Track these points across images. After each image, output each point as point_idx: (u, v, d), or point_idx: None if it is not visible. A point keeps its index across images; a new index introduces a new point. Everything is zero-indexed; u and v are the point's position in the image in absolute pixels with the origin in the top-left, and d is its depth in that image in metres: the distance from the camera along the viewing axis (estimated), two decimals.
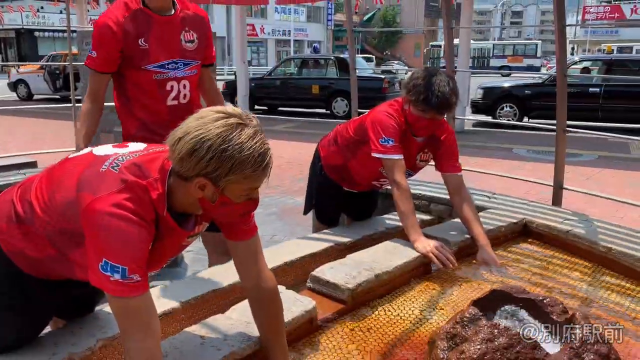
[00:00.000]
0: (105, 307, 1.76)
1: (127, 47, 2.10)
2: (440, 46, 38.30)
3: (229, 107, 1.29)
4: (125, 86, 2.22)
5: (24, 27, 31.68)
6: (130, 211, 1.24)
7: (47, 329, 1.68)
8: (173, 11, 2.17)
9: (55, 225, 1.35)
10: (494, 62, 36.20)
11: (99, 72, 2.20)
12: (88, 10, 12.67)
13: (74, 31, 6.29)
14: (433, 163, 2.64)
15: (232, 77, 15.56)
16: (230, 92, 12.89)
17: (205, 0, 4.65)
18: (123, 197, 1.25)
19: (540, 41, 38.37)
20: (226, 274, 2.10)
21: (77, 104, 4.61)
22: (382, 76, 12.80)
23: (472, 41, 42.61)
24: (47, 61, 16.67)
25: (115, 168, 1.31)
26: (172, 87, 2.19)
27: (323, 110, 13.29)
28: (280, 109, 13.56)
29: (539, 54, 36.13)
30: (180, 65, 2.20)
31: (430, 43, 41.43)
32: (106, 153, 1.39)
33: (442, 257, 2.22)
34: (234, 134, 1.22)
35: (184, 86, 2.22)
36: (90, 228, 1.25)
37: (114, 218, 1.22)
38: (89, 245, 1.25)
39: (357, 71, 4.56)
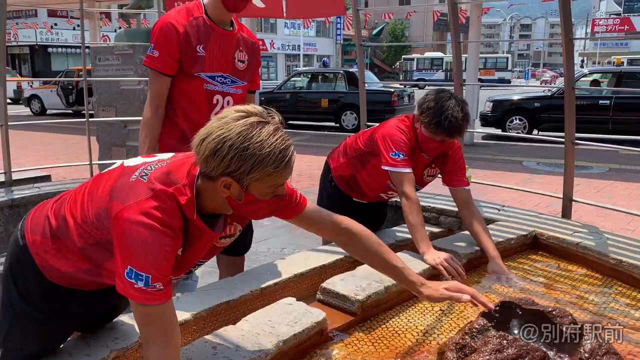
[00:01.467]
0: (119, 318, 1.79)
1: (185, 51, 2.12)
2: (413, 59, 38.37)
3: (249, 106, 1.31)
4: (172, 94, 2.22)
5: (38, 43, 32.18)
6: (156, 220, 1.27)
7: None
8: (231, 28, 2.21)
9: (90, 237, 1.38)
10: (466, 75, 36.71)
11: (161, 74, 2.17)
12: (101, 27, 12.88)
13: (88, 47, 6.39)
14: (440, 177, 2.67)
15: None
16: None
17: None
18: (150, 206, 1.28)
19: (509, 55, 39.10)
20: (236, 286, 2.13)
21: (90, 119, 4.68)
22: (391, 90, 12.85)
23: (443, 55, 41.58)
24: (62, 77, 16.92)
25: (144, 177, 1.35)
26: (217, 100, 2.21)
27: (332, 124, 13.35)
28: (290, 122, 13.66)
29: (509, 67, 36.57)
30: (229, 81, 2.22)
31: (403, 56, 41.42)
32: (136, 163, 1.43)
33: (451, 269, 2.23)
34: (254, 132, 1.25)
35: (228, 102, 2.24)
36: (118, 236, 1.28)
37: (140, 227, 1.25)
38: (117, 252, 1.29)
39: (366, 85, 4.60)
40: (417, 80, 33.20)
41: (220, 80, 2.21)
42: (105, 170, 1.50)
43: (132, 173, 1.37)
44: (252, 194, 1.31)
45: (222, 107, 2.19)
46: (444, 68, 38.14)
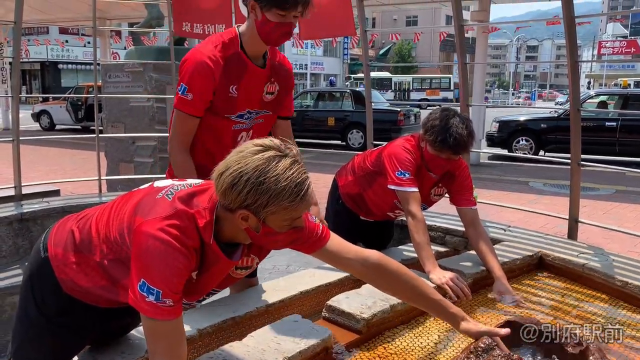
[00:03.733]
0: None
1: (218, 92, 1.99)
2: (362, 78, 37.81)
3: (267, 140, 1.34)
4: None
5: (49, 59, 32.62)
6: (173, 237, 1.29)
7: None
8: (264, 61, 2.08)
9: (110, 253, 1.41)
10: (414, 95, 37.05)
11: (193, 117, 2.01)
12: (111, 44, 13.06)
13: (99, 64, 6.49)
14: (447, 196, 2.68)
15: None
16: None
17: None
18: (169, 223, 1.31)
19: (452, 75, 38.76)
20: (243, 302, 2.14)
21: (100, 135, 4.73)
22: (398, 109, 12.92)
23: (391, 75, 41.36)
24: (72, 93, 17.10)
25: (169, 196, 1.38)
26: (242, 137, 2.13)
27: (339, 142, 13.40)
28: (297, 140, 13.67)
29: (452, 87, 36.30)
30: (254, 114, 2.12)
31: (353, 76, 40.49)
32: (165, 185, 1.47)
33: (456, 288, 2.23)
34: (270, 166, 1.27)
35: (249, 135, 2.14)
36: (135, 248, 1.31)
37: (157, 241, 1.28)
38: (133, 264, 1.31)
39: (372, 104, 4.64)
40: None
41: (247, 116, 2.10)
42: (136, 189, 1.53)
43: (159, 192, 1.41)
44: (270, 226, 1.33)
45: (243, 141, 2.05)
46: (392, 88, 38.50)
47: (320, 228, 1.61)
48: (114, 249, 1.40)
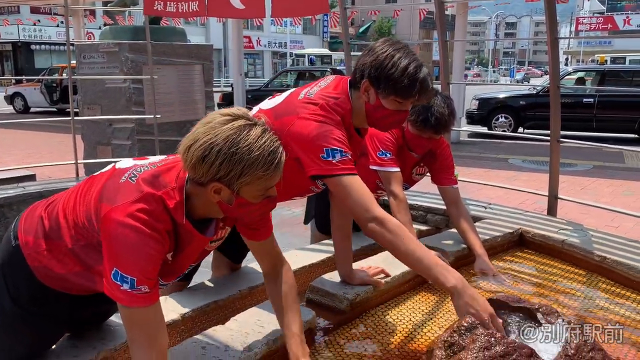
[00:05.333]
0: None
1: None
2: (304, 56, 34.85)
3: (234, 109, 1.30)
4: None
5: (21, 40, 31.75)
6: (142, 222, 1.26)
7: None
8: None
9: (80, 239, 1.38)
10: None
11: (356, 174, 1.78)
12: (85, 24, 12.73)
13: (73, 44, 6.33)
14: (429, 175, 2.69)
15: (229, 89, 15.60)
16: (227, 104, 12.96)
17: (202, 14, 4.70)
18: (137, 208, 1.27)
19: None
20: (225, 287, 2.12)
21: (75, 117, 4.63)
22: None
23: (330, 52, 36.46)
24: (46, 75, 16.72)
25: (133, 179, 1.34)
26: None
27: None
28: None
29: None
30: None
31: (295, 52, 37.76)
32: (127, 166, 1.42)
33: None
34: (241, 136, 1.23)
35: None
36: (105, 237, 1.28)
37: (126, 229, 1.25)
38: (104, 253, 1.29)
39: None
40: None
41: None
42: (98, 172, 1.49)
43: (122, 175, 1.37)
44: (244, 197, 1.31)
45: None
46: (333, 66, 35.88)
47: (270, 221, 1.61)
48: (84, 235, 1.37)
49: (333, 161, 1.69)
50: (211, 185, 1.27)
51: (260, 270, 2.27)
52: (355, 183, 1.73)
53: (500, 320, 1.55)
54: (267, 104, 1.93)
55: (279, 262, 1.67)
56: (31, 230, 1.46)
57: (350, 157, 1.73)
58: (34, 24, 30.01)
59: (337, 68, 14.57)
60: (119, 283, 1.25)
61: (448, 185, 2.57)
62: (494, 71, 49.86)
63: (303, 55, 35.33)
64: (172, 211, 1.31)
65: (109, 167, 1.48)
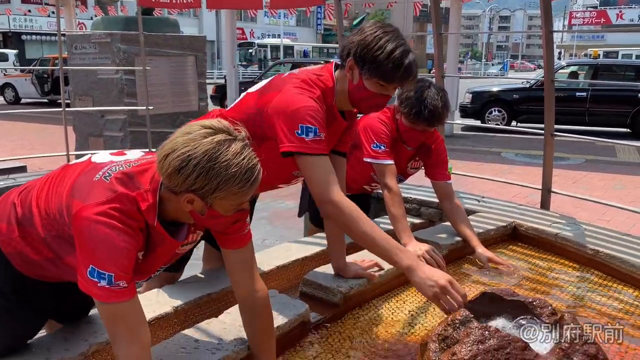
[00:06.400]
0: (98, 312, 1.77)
1: None
2: (266, 46, 33.39)
3: (215, 121, 1.28)
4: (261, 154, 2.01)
5: (11, 30, 31.40)
6: (116, 219, 1.25)
7: (42, 332, 1.68)
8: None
9: (52, 229, 1.37)
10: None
11: (327, 155, 1.79)
12: (76, 14, 12.61)
13: (64, 35, 6.26)
14: (423, 168, 2.68)
15: (222, 81, 15.52)
16: (220, 96, 12.88)
17: (197, 5, 4.66)
18: (110, 207, 1.26)
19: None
20: (218, 279, 2.11)
21: (67, 108, 4.59)
22: None
23: (293, 43, 35.12)
24: (37, 65, 16.57)
25: (107, 178, 1.32)
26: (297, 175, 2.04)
27: None
28: None
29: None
30: None
31: (257, 42, 35.52)
32: (102, 161, 1.41)
33: (432, 261, 2.24)
34: (220, 151, 1.22)
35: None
36: (78, 235, 1.27)
37: (100, 225, 1.24)
38: (78, 251, 1.27)
39: None
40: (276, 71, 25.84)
41: None
42: (74, 162, 1.47)
43: (97, 171, 1.35)
44: (216, 209, 1.30)
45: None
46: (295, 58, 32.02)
47: (248, 227, 1.55)
48: (55, 226, 1.36)
49: (306, 139, 1.69)
50: (185, 195, 1.26)
51: (256, 262, 2.27)
52: (322, 164, 1.73)
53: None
54: (254, 87, 1.93)
55: (252, 280, 1.55)
56: (4, 217, 1.45)
57: (323, 138, 1.72)
58: (25, 14, 29.66)
59: (330, 60, 14.51)
60: (95, 280, 1.24)
61: (442, 181, 2.58)
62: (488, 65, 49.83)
63: (265, 46, 33.85)
64: (144, 213, 1.30)
65: (84, 158, 1.47)
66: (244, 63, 27.27)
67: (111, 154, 1.46)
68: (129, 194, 1.29)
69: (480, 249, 2.43)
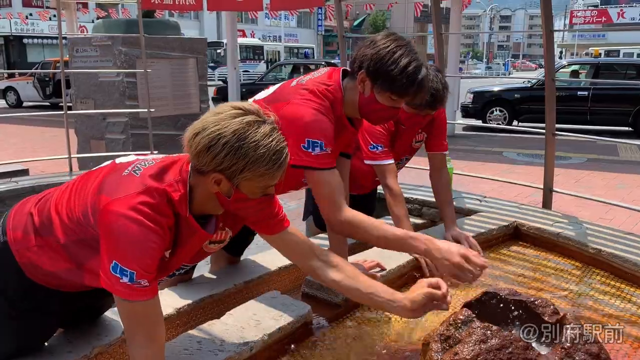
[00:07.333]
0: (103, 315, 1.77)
1: None
2: (220, 43, 29.97)
3: (246, 103, 1.30)
4: None
5: (13, 34, 31.47)
6: (145, 216, 1.24)
7: None
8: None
9: (73, 234, 1.35)
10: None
11: (334, 168, 1.81)
12: (78, 17, 12.63)
13: (65, 38, 6.27)
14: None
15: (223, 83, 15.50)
16: (221, 98, 12.89)
17: (198, 7, 4.66)
18: (140, 201, 1.25)
19: (314, 46, 36.64)
20: (220, 280, 2.12)
21: (69, 111, 4.60)
22: None
23: (263, 42, 34.00)
24: (38, 68, 16.60)
25: (137, 172, 1.32)
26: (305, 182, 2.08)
27: None
28: None
29: (315, 57, 34.40)
30: None
31: (225, 42, 33.35)
32: (129, 160, 1.41)
33: (432, 264, 2.23)
34: (249, 132, 1.23)
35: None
36: (104, 229, 1.26)
37: (128, 221, 1.23)
38: (103, 246, 1.27)
39: None
40: (243, 72, 21.97)
41: None
42: (96, 167, 1.47)
43: (125, 168, 1.35)
44: (242, 191, 1.30)
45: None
46: (265, 58, 32.57)
47: (283, 212, 1.57)
48: (77, 230, 1.35)
49: (312, 153, 1.72)
50: (212, 175, 1.26)
51: (258, 262, 2.28)
52: (330, 179, 1.76)
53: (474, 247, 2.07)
54: (261, 94, 1.94)
55: (310, 249, 1.57)
56: (20, 226, 1.44)
57: (329, 152, 1.74)
58: (23, 22, 29.73)
59: (332, 61, 14.52)
60: (118, 276, 1.24)
61: (439, 152, 2.62)
62: (488, 67, 49.70)
63: (240, 46, 32.57)
64: (176, 204, 1.30)
65: (108, 162, 1.47)
66: (211, 64, 26.25)
67: (136, 154, 1.48)
68: (158, 187, 1.29)
69: (451, 228, 2.48)
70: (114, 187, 1.29)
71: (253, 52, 32.12)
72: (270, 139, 1.25)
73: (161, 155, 1.44)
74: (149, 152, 1.46)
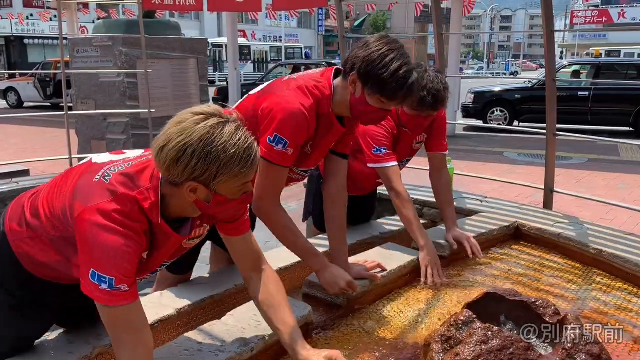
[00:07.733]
0: None
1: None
2: (222, 46, 30.33)
3: (205, 106, 1.28)
4: None
5: (14, 34, 31.50)
6: (117, 223, 1.25)
7: (46, 335, 1.68)
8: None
9: (58, 231, 1.37)
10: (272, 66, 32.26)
11: (288, 168, 1.86)
12: (78, 18, 12.64)
13: (66, 38, 6.27)
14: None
15: (224, 84, 15.52)
16: (222, 99, 12.90)
17: (199, 7, 4.67)
18: (111, 209, 1.25)
19: (302, 45, 36.38)
20: (221, 281, 2.11)
21: (69, 112, 4.60)
22: None
23: (249, 42, 33.64)
24: (39, 69, 16.61)
25: (107, 178, 1.32)
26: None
27: None
28: None
29: (315, 57, 34.47)
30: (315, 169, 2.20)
31: (211, 41, 31.89)
32: (103, 161, 1.41)
33: (428, 273, 2.23)
34: (215, 135, 1.21)
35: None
36: (80, 237, 1.27)
37: (100, 229, 1.23)
38: (80, 253, 1.27)
39: None
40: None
41: (309, 172, 2.19)
42: (77, 164, 1.48)
43: (97, 172, 1.35)
44: (222, 194, 1.29)
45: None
46: (252, 59, 32.35)
47: (247, 213, 1.58)
48: (60, 227, 1.36)
49: (274, 148, 1.76)
50: (187, 184, 1.26)
51: None
52: (276, 175, 1.83)
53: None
54: (256, 89, 1.97)
55: (259, 260, 1.63)
56: (15, 218, 1.47)
57: (289, 154, 1.78)
58: (27, 18, 29.74)
59: (333, 62, 14.51)
60: (96, 283, 1.24)
61: (439, 152, 2.61)
62: (489, 67, 49.67)
63: (221, 45, 31.11)
64: (147, 211, 1.30)
65: (86, 160, 1.47)
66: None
67: (111, 153, 1.47)
68: (129, 194, 1.29)
69: (452, 229, 2.47)
70: (86, 194, 1.29)
71: (240, 52, 31.79)
72: (238, 138, 1.23)
73: (134, 154, 1.43)
74: (123, 150, 1.45)
